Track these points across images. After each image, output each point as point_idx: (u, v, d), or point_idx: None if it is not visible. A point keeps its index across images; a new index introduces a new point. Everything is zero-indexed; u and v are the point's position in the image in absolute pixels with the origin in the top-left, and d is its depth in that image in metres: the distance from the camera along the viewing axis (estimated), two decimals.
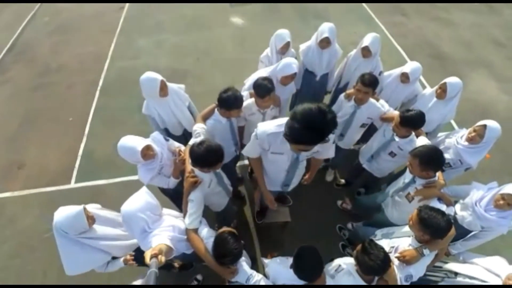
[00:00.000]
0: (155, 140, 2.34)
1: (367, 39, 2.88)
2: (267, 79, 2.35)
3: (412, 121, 2.22)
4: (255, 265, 2.85)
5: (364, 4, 6.52)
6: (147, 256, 1.47)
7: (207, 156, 1.85)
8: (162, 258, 1.50)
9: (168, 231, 1.85)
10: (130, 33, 6.04)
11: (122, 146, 2.11)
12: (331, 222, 3.32)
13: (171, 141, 2.49)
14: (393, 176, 2.93)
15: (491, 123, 2.30)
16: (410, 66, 2.81)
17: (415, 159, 1.96)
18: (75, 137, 4.27)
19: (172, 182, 2.45)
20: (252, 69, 3.70)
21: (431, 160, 1.92)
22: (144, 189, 1.92)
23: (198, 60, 5.34)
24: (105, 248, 1.99)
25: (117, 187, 3.68)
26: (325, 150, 1.97)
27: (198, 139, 2.06)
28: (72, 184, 3.80)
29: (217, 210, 2.58)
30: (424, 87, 4.27)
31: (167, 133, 2.90)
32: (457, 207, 2.31)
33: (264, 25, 5.97)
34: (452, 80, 2.62)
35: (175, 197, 2.87)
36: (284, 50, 2.92)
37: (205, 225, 1.99)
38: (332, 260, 1.99)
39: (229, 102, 2.26)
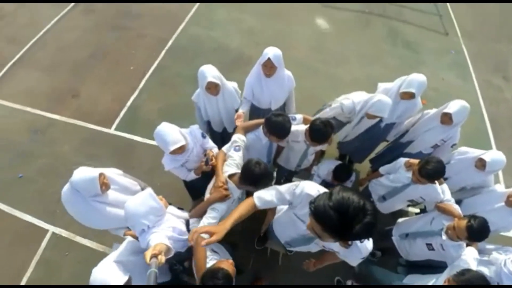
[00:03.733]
0: (192, 133, 2.32)
1: (454, 106, 2.43)
2: (329, 124, 2.12)
3: (480, 236, 1.92)
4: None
5: (465, 50, 5.73)
6: (147, 256, 1.45)
7: (262, 178, 1.82)
8: (162, 258, 1.48)
9: (168, 230, 1.84)
10: (212, 2, 5.96)
11: (159, 133, 2.09)
12: (331, 270, 2.95)
13: (208, 139, 2.44)
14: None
15: None
16: (493, 155, 2.39)
17: None
18: (130, 87, 4.44)
19: (190, 176, 2.44)
20: (317, 80, 3.47)
21: None
22: (148, 191, 1.87)
23: None
24: (110, 215, 2.04)
25: (149, 149, 3.79)
26: (350, 258, 1.58)
27: (240, 153, 2.11)
28: (112, 130, 3.99)
29: None
30: (497, 179, 3.79)
31: (208, 126, 2.86)
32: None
33: (348, 39, 5.53)
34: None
35: (190, 187, 2.88)
36: (372, 117, 2.55)
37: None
38: None
39: (274, 128, 2.13)
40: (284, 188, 1.58)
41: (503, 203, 2.35)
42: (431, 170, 2.08)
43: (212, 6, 5.84)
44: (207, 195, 2.08)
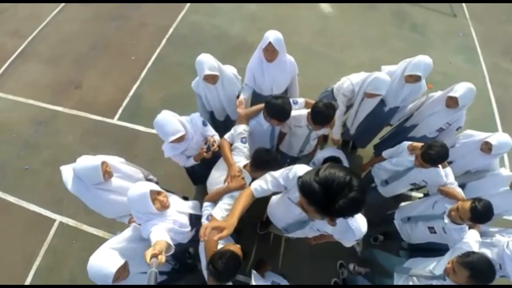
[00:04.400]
0: (193, 121, 2.31)
1: (460, 89, 2.38)
2: (331, 106, 2.10)
3: (483, 218, 1.89)
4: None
5: (473, 32, 5.55)
6: (147, 256, 1.46)
7: (272, 163, 1.89)
8: (163, 258, 1.49)
9: (168, 223, 1.85)
10: None
11: (159, 123, 2.08)
12: (334, 254, 3.07)
13: (209, 126, 2.43)
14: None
15: None
16: (499, 138, 2.35)
17: (465, 270, 1.64)
18: (132, 77, 4.43)
19: (189, 163, 2.46)
20: (322, 66, 3.44)
21: (483, 277, 1.63)
22: (148, 188, 1.79)
23: None
24: (115, 203, 2.07)
25: (152, 138, 3.80)
26: (344, 240, 1.64)
27: (246, 144, 2.17)
28: (115, 120, 4.02)
29: None
30: (502, 162, 3.73)
31: (211, 116, 2.85)
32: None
33: (352, 21, 5.40)
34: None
35: (191, 172, 2.93)
36: (372, 96, 2.52)
37: None
38: None
39: (273, 111, 2.12)
40: (278, 173, 1.61)
41: (507, 187, 2.32)
42: (434, 155, 2.04)
43: None
44: (215, 184, 2.10)
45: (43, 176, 3.59)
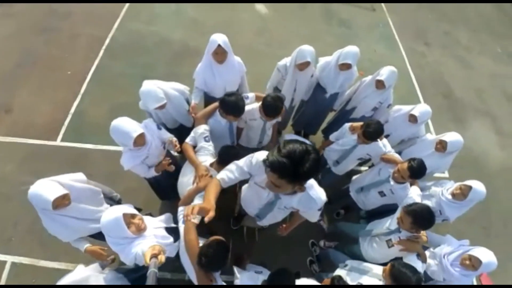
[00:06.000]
0: (148, 127, 2.30)
1: (384, 73, 2.79)
2: (279, 99, 2.28)
3: (419, 173, 2.23)
4: None
5: (391, 23, 6.38)
6: (147, 256, 1.44)
7: (238, 158, 1.87)
8: (162, 258, 1.49)
9: (150, 239, 1.80)
10: None
11: (116, 127, 2.05)
12: (304, 236, 3.33)
13: (163, 130, 2.46)
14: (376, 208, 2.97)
15: (477, 186, 2.39)
16: (421, 109, 2.79)
17: (409, 216, 2.00)
18: (70, 93, 4.11)
19: (150, 173, 2.43)
20: (265, 63, 3.67)
21: (424, 221, 1.98)
22: (121, 212, 1.73)
23: None
24: (69, 227, 1.97)
25: (103, 154, 3.61)
26: (309, 214, 1.83)
27: (210, 142, 2.26)
28: (58, 142, 3.70)
29: None
30: (427, 127, 4.37)
31: (164, 127, 2.85)
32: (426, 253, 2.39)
33: (287, 20, 5.81)
34: (452, 138, 2.65)
35: (156, 186, 2.89)
36: (302, 67, 2.74)
37: None
38: (298, 274, 2.01)
39: (228, 107, 2.24)
40: (242, 162, 1.75)
41: (433, 149, 2.77)
42: (373, 132, 2.39)
43: None
44: (186, 188, 2.09)
45: None
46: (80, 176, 2.15)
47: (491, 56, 6.40)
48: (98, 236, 2.15)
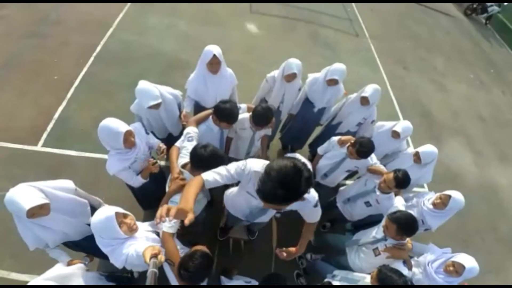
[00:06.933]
0: (137, 130, 2.26)
1: (369, 90, 2.96)
2: (269, 109, 2.36)
3: (404, 183, 2.32)
4: None
5: (373, 48, 6.79)
6: (147, 256, 1.39)
7: (211, 160, 1.81)
8: (162, 258, 1.44)
9: (142, 241, 1.75)
10: (143, 6, 5.82)
11: (105, 126, 2.00)
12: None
13: (151, 135, 2.45)
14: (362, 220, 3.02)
15: (456, 196, 2.52)
16: (403, 125, 2.94)
17: (393, 224, 2.07)
18: (56, 98, 4.02)
19: (138, 181, 2.35)
20: (254, 79, 3.83)
21: (408, 227, 2.06)
22: (113, 211, 1.67)
23: None
24: (42, 236, 1.85)
25: (87, 162, 3.49)
26: (309, 214, 1.84)
27: (193, 142, 2.11)
28: (39, 147, 3.56)
29: None
30: (407, 143, 4.57)
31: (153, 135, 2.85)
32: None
33: (277, 40, 6.08)
34: (425, 149, 2.83)
35: (140, 196, 2.80)
36: (289, 78, 2.85)
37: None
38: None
39: (223, 114, 2.27)
40: (233, 169, 1.65)
41: (412, 162, 2.92)
42: (367, 151, 2.50)
43: (142, 11, 5.72)
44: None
45: None
46: (68, 184, 2.03)
47: (465, 81, 6.91)
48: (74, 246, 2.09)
